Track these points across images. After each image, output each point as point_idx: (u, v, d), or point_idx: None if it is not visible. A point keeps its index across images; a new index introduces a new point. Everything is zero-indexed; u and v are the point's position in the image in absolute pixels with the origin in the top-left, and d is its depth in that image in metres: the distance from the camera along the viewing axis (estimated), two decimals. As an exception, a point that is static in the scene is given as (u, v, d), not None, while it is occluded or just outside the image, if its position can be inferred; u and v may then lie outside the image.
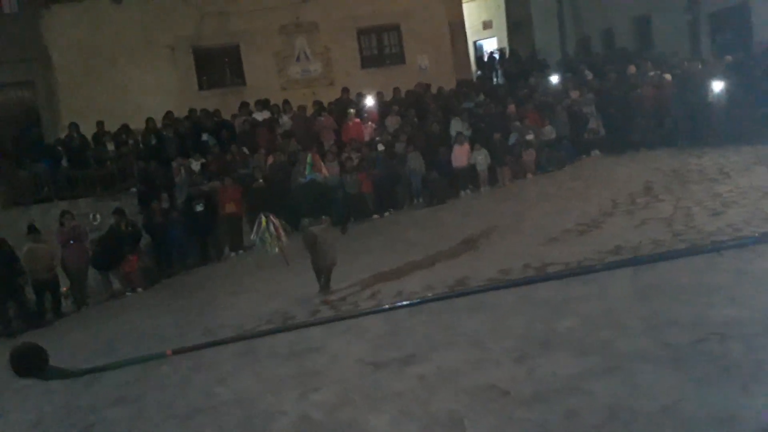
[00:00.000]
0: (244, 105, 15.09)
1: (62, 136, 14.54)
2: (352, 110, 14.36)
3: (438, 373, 4.84)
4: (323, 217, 7.74)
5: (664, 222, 7.97)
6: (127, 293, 10.89)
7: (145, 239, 11.78)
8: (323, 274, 7.80)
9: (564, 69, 17.30)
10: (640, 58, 15.60)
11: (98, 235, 11.36)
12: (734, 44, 14.62)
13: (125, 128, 14.47)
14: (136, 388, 6.01)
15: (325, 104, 15.08)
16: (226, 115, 14.89)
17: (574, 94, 14.35)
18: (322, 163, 9.68)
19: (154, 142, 14.07)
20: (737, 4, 14.96)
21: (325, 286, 7.85)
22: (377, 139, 13.58)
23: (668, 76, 13.59)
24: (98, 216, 11.31)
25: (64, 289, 10.90)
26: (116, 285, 11.27)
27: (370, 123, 14.29)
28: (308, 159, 8.62)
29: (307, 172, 8.41)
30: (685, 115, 12.52)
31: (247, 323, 7.32)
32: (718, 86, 11.72)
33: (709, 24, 16.10)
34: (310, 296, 7.88)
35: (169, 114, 14.72)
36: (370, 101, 15.09)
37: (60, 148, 13.83)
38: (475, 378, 4.64)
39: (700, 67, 13.29)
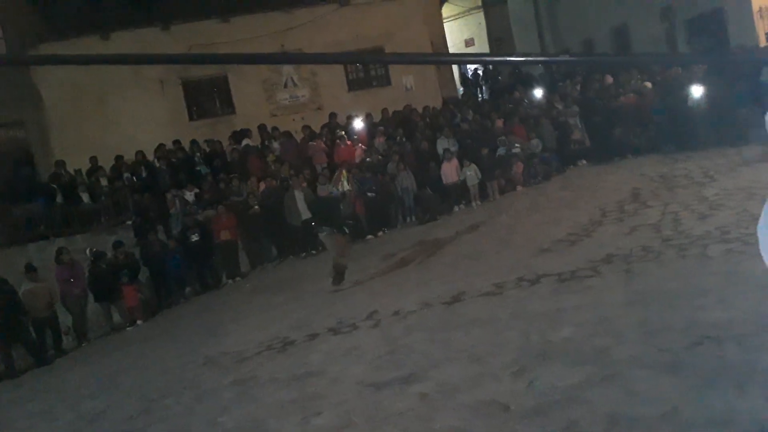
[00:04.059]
0: (234, 133, 15.28)
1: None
2: (343, 133, 14.54)
3: (438, 391, 4.89)
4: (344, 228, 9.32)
5: (653, 228, 8.09)
6: (128, 326, 10.91)
7: (144, 271, 11.84)
8: (343, 267, 9.16)
9: (547, 82, 17.53)
10: (621, 67, 15.80)
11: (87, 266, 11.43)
12: (712, 49, 14.87)
13: (119, 160, 14.61)
14: (140, 421, 6.03)
15: (314, 128, 15.25)
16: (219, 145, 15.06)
17: (559, 106, 14.56)
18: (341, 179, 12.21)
19: (144, 174, 14.20)
20: (712, 10, 15.23)
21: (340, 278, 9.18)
22: (368, 160, 13.72)
23: (648, 84, 13.81)
24: (95, 250, 11.39)
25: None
26: (116, 318, 11.29)
27: (360, 145, 14.44)
28: (344, 174, 11.18)
29: (346, 186, 10.94)
30: (668, 121, 12.71)
31: (248, 349, 7.37)
32: (697, 91, 11.92)
33: (686, 30, 16.37)
34: (307, 320, 7.95)
35: (161, 146, 14.87)
36: (359, 123, 15.26)
37: (53, 185, 13.90)
38: (475, 393, 4.69)
39: (680, 72, 13.51)
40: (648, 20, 17.26)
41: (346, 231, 9.49)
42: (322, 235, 9.35)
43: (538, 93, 16.23)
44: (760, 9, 14.01)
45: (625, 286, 6.31)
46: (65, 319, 10.93)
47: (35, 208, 13.25)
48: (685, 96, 12.27)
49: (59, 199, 13.52)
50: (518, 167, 13.12)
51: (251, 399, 5.81)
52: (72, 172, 14.34)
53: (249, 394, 5.97)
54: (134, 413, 6.28)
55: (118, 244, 11.61)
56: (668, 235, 7.66)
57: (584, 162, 13.73)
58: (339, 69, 18.05)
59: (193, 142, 15.18)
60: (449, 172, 13.00)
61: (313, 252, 12.39)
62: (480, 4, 28.03)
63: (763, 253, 2.41)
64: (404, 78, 18.02)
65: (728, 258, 6.35)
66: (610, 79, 14.88)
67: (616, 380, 4.34)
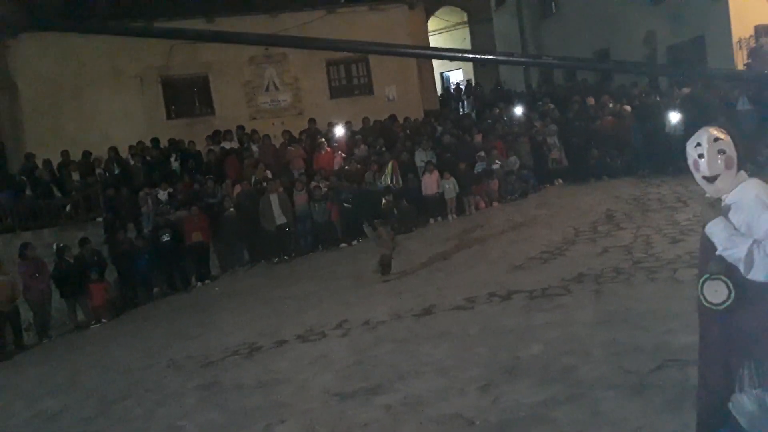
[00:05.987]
0: (215, 134, 15.13)
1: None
2: (323, 140, 14.48)
3: (404, 403, 4.85)
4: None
5: (625, 249, 8.15)
6: (92, 325, 10.69)
7: (111, 269, 11.62)
8: (389, 258, 9.37)
9: (528, 101, 17.72)
10: (600, 90, 16.02)
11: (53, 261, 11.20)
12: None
13: (88, 156, 14.40)
14: (98, 422, 5.92)
15: (294, 133, 15.17)
16: (198, 145, 14.92)
17: (538, 125, 14.67)
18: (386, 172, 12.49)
19: (117, 171, 13.99)
20: (694, 38, 15.54)
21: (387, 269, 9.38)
22: (346, 168, 13.67)
23: (628, 108, 13.99)
24: (61, 245, 11.19)
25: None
26: (80, 316, 11.06)
27: (339, 152, 14.39)
28: (389, 168, 11.34)
29: (388, 181, 11.24)
30: (645, 145, 12.87)
31: (214, 354, 7.25)
32: (675, 117, 12.10)
33: (667, 57, 16.66)
34: (276, 327, 7.86)
35: (140, 143, 14.67)
36: (339, 131, 15.22)
37: (23, 177, 13.61)
38: (441, 407, 4.65)
39: (657, 98, 13.71)
40: (630, 45, 17.54)
41: (389, 223, 10.02)
42: (366, 230, 9.76)
43: (519, 110, 16.37)
44: (740, 39, 14.35)
45: (594, 306, 6.34)
46: (27, 315, 10.68)
47: (3, 200, 12.95)
48: (663, 122, 12.45)
49: (28, 191, 13.24)
50: (494, 183, 13.19)
51: (214, 405, 5.71)
52: (41, 165, 14.05)
53: (212, 399, 5.86)
54: (92, 414, 6.17)
55: (84, 241, 11.39)
56: (639, 257, 7.72)
57: (561, 181, 13.83)
58: (322, 75, 18.03)
59: (171, 140, 15.00)
60: (430, 183, 13.02)
61: (286, 258, 12.29)
62: (466, 20, 28.32)
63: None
64: (387, 88, 18.06)
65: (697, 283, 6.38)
66: (592, 101, 15.04)
67: (582, 400, 4.34)
